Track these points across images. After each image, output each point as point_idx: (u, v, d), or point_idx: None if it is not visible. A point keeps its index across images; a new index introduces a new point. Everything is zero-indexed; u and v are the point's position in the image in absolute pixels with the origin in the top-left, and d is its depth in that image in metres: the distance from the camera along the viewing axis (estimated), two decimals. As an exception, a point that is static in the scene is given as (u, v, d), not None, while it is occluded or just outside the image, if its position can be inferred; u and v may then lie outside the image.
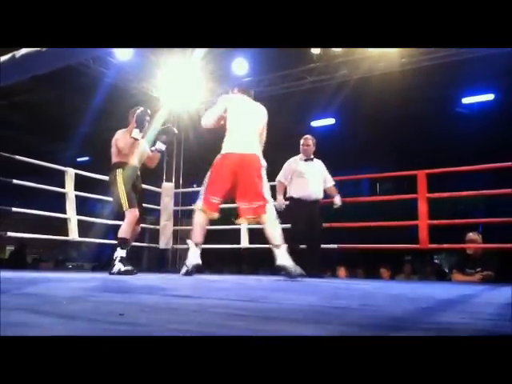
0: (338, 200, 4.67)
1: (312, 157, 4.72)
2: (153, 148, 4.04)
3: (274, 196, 3.91)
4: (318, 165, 4.75)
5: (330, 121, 11.21)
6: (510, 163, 4.30)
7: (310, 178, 4.59)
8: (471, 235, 4.62)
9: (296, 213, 4.52)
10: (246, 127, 3.49)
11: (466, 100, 9.75)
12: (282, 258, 3.19)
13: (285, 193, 4.73)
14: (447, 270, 4.14)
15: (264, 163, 3.48)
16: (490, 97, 9.55)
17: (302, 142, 4.78)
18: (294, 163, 4.71)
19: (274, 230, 3.32)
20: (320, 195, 4.61)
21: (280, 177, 4.71)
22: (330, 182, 4.74)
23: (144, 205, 4.50)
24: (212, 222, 4.21)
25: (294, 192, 4.59)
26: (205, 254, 4.97)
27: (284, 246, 3.25)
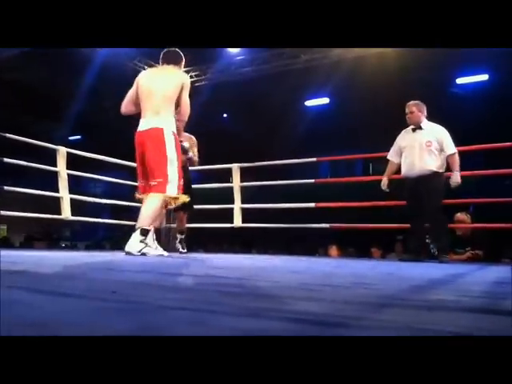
0: (453, 178, 3.80)
1: (421, 125, 3.94)
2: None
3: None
4: (429, 132, 3.91)
5: (324, 100, 11.16)
6: (505, 144, 4.31)
7: (414, 150, 3.91)
8: (459, 215, 4.66)
9: (404, 194, 4.05)
10: (150, 100, 3.26)
11: (460, 80, 9.72)
12: (130, 241, 3.08)
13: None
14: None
15: (169, 134, 3.21)
16: (484, 77, 9.52)
17: (406, 110, 4.03)
18: (402, 136, 4.09)
19: (145, 209, 3.17)
20: (426, 169, 3.81)
21: (389, 154, 4.16)
22: (448, 150, 3.84)
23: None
24: (205, 201, 4.25)
25: (402, 170, 4.01)
26: (198, 233, 5.00)
27: (138, 231, 3.09)
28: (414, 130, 3.98)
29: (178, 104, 3.32)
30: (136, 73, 6.90)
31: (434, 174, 3.83)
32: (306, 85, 9.56)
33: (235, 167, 5.38)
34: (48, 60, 8.11)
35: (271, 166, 5.84)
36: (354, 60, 6.93)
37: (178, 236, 4.56)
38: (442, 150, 3.85)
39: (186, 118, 3.40)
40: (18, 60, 7.24)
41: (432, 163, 3.83)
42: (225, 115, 11.62)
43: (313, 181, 5.48)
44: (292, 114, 10.92)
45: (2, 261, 1.83)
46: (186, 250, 4.48)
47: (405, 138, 4.03)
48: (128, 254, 3.06)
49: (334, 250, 7.05)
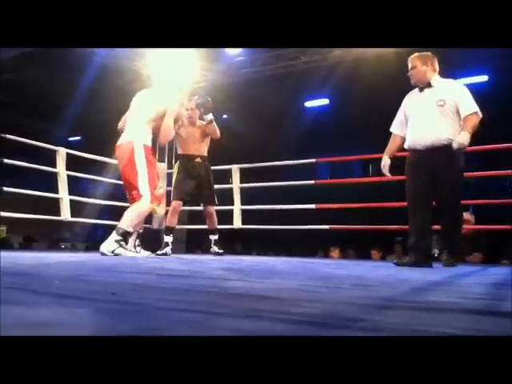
0: (459, 137, 2.83)
1: (430, 82, 3.07)
2: (204, 122, 4.15)
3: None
4: (442, 89, 3.03)
5: (324, 101, 11.16)
6: (505, 145, 4.30)
7: (422, 113, 3.04)
8: (464, 215, 4.63)
9: (408, 170, 3.13)
10: (130, 117, 3.48)
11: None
12: (106, 242, 3.10)
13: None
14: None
15: (139, 147, 3.31)
16: (483, 78, 9.52)
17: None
18: (406, 99, 3.24)
19: (128, 212, 3.23)
20: (440, 137, 2.92)
21: (392, 126, 3.29)
22: (465, 110, 2.93)
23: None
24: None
25: (407, 141, 3.12)
26: (198, 234, 4.99)
27: (114, 234, 3.11)
28: (421, 89, 3.11)
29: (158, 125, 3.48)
30: (135, 74, 6.91)
31: (451, 144, 2.88)
32: (305, 86, 9.56)
33: (235, 168, 5.38)
34: (47, 60, 8.11)
35: (271, 167, 5.84)
36: (354, 61, 6.93)
37: (212, 238, 4.32)
38: (458, 112, 2.95)
39: (166, 141, 3.66)
40: (17, 60, 7.24)
41: (447, 129, 2.92)
42: (224, 116, 11.63)
43: (313, 182, 5.48)
44: (292, 115, 10.92)
45: (1, 262, 1.83)
46: (222, 251, 4.31)
47: (410, 101, 3.18)
48: (102, 254, 3.06)
49: (335, 252, 7.05)
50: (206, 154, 4.28)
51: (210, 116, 4.03)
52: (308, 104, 11.39)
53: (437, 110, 2.96)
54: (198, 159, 4.22)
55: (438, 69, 3.12)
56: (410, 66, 3.15)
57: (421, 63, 3.09)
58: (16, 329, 0.59)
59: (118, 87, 8.38)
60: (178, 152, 4.33)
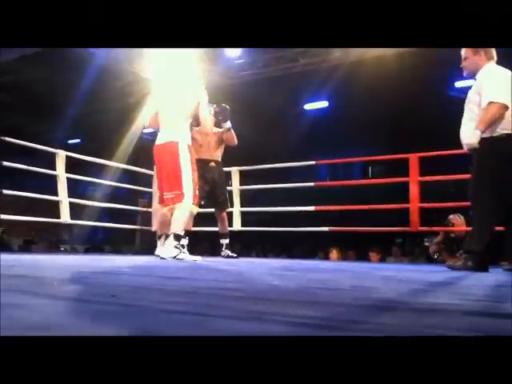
0: (463, 143, 2.83)
1: (475, 73, 2.85)
2: (221, 130, 4.18)
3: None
4: (477, 83, 2.80)
5: (324, 103, 11.17)
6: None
7: (465, 109, 2.89)
8: (451, 217, 4.63)
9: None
10: (167, 113, 3.40)
11: (459, 84, 9.73)
12: (165, 248, 3.22)
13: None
14: (435, 254, 4.16)
15: (183, 148, 3.29)
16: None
17: None
18: None
19: (177, 218, 3.25)
20: (467, 137, 2.77)
21: None
22: (483, 102, 2.67)
23: (140, 188, 4.54)
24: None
25: None
26: (197, 236, 4.98)
27: (171, 237, 3.18)
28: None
29: (195, 118, 3.44)
30: (134, 76, 6.91)
31: (480, 143, 2.67)
32: (305, 88, 9.57)
33: (234, 170, 5.38)
34: (47, 62, 8.11)
35: (270, 169, 5.85)
36: (353, 63, 6.94)
37: (223, 242, 4.33)
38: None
39: (209, 131, 3.64)
40: (17, 62, 7.25)
41: (471, 129, 2.73)
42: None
43: (312, 184, 5.49)
44: (291, 118, 10.93)
45: (1, 264, 1.83)
46: (236, 254, 4.32)
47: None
48: (161, 258, 3.17)
49: (334, 253, 7.04)
50: (219, 159, 4.31)
51: (229, 124, 4.06)
52: (307, 106, 11.41)
53: (466, 110, 2.85)
54: (213, 163, 4.24)
55: (495, 56, 2.80)
56: (462, 56, 2.89)
57: (472, 52, 2.80)
58: (16, 331, 0.59)
59: (118, 89, 8.39)
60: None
